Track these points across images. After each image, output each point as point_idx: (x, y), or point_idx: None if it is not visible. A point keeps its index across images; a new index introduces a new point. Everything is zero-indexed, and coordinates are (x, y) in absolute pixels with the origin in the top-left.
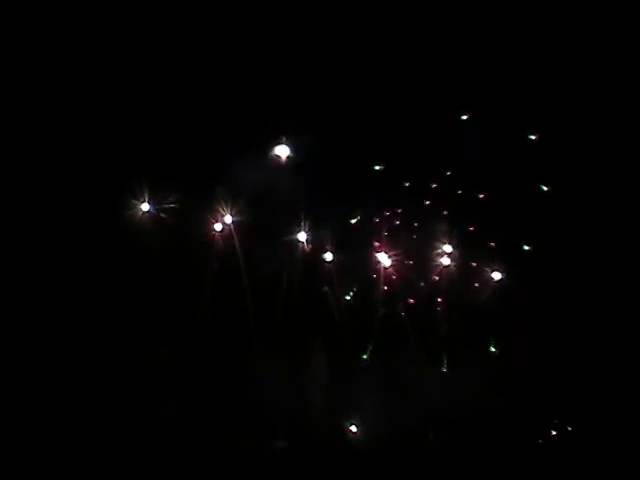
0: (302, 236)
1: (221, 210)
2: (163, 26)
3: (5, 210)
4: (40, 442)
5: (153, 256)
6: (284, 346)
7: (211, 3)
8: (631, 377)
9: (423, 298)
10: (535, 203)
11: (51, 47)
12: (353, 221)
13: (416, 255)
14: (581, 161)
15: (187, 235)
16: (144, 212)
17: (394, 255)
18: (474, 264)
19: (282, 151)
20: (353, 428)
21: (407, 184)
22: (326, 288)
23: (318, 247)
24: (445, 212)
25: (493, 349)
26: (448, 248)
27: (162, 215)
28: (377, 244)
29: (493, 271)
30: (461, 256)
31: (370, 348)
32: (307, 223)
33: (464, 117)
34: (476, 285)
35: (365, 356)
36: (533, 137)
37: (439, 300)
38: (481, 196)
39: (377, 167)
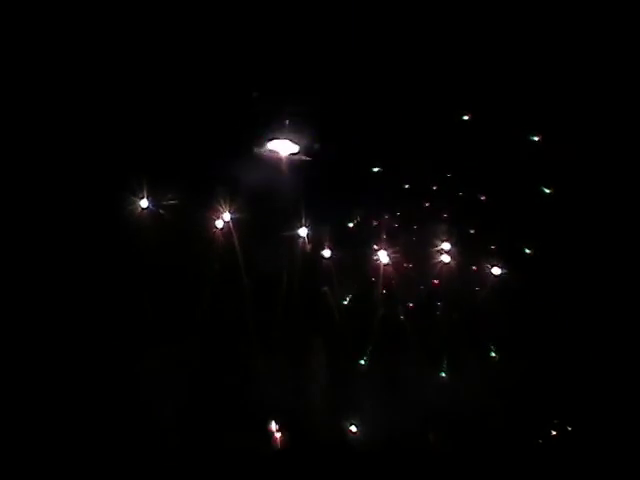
0: (303, 231)
1: (220, 207)
2: (163, 22)
3: (1, 206)
4: (39, 442)
5: (151, 254)
6: (284, 346)
7: (211, 3)
8: (631, 377)
9: (422, 297)
10: (536, 205)
11: (50, 44)
12: (351, 225)
13: (416, 255)
14: (582, 162)
15: (186, 233)
16: (143, 209)
17: (393, 253)
18: (474, 267)
19: (280, 146)
20: (353, 428)
21: (407, 186)
22: (326, 288)
23: (318, 246)
24: (445, 213)
25: (493, 351)
26: (447, 247)
27: (161, 211)
28: (377, 244)
29: (493, 266)
30: (461, 256)
31: (368, 353)
32: (308, 220)
33: (465, 117)
34: (476, 286)
35: (362, 362)
36: (536, 138)
37: (439, 300)
38: (482, 198)
39: (376, 169)
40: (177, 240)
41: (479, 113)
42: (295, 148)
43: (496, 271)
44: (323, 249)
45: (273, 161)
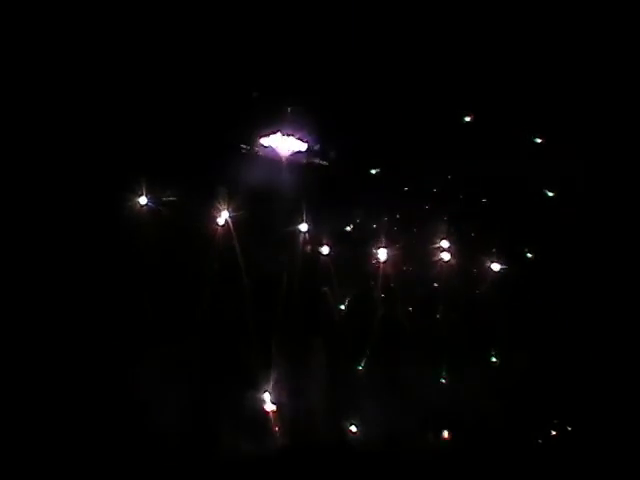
0: (303, 227)
1: (219, 206)
2: (164, 23)
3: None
4: (38, 441)
5: (151, 254)
6: (284, 346)
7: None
8: (631, 377)
9: (422, 297)
10: (536, 206)
11: (50, 43)
12: (351, 226)
13: (416, 256)
14: (583, 163)
15: (186, 232)
16: (141, 205)
17: (393, 253)
18: (474, 268)
19: (280, 145)
20: (353, 428)
21: (406, 188)
22: (326, 289)
23: (318, 245)
24: (445, 214)
25: (493, 351)
26: (446, 249)
27: (160, 208)
28: (377, 244)
29: (493, 267)
30: (460, 257)
31: (367, 353)
32: (308, 218)
33: (467, 119)
34: (476, 286)
35: (362, 362)
36: (539, 140)
37: (439, 300)
38: (483, 200)
39: (374, 170)
40: (177, 240)
41: (481, 115)
42: (295, 148)
43: (496, 270)
44: (323, 248)
45: (273, 161)
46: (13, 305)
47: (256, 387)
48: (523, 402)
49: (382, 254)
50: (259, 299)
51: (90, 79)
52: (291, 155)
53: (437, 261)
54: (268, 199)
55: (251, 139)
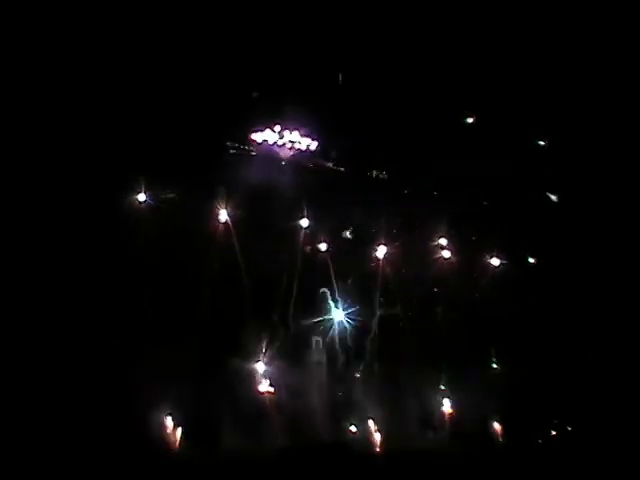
0: (304, 222)
1: (218, 205)
2: (164, 23)
3: (3, 202)
4: (38, 441)
5: (151, 254)
6: (284, 345)
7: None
8: (631, 377)
9: (422, 298)
10: (537, 207)
11: (52, 43)
12: (350, 228)
13: (415, 256)
14: (584, 165)
15: (186, 231)
16: (141, 202)
17: (393, 254)
18: (474, 268)
19: (278, 142)
20: (353, 428)
21: (406, 190)
22: (325, 289)
23: (318, 245)
24: (445, 215)
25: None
26: (446, 247)
27: (160, 206)
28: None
29: (492, 267)
30: (460, 257)
31: (367, 353)
32: (308, 216)
33: (470, 120)
34: (476, 286)
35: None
36: (542, 143)
37: (439, 301)
38: (484, 202)
39: (375, 171)
40: (177, 239)
41: (482, 117)
42: (295, 148)
43: (495, 270)
44: (323, 248)
45: (273, 160)
46: (12, 303)
47: (255, 385)
48: (523, 402)
49: (381, 253)
50: (259, 299)
51: (91, 79)
52: (291, 155)
53: (437, 260)
54: (268, 198)
55: (251, 139)
